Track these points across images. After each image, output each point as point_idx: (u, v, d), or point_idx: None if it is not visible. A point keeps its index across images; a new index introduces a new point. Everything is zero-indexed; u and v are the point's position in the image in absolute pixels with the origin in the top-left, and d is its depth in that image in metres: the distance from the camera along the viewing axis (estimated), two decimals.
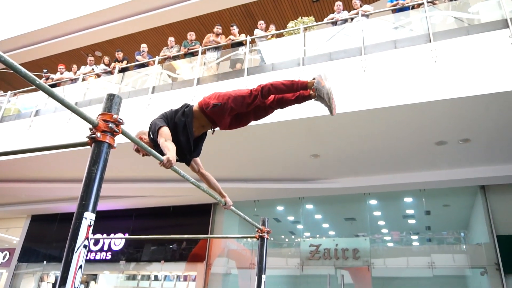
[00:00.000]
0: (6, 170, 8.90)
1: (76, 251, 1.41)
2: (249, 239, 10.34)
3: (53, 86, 9.24)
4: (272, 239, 10.20)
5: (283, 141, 6.93)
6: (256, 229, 3.24)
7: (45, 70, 9.55)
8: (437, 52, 5.70)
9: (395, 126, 6.22)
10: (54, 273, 11.77)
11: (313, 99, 2.68)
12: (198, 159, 2.86)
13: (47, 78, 9.40)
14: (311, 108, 6.03)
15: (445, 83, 5.46)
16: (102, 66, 8.93)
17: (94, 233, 10.50)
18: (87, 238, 1.46)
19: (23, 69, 1.40)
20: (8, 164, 8.49)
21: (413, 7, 6.68)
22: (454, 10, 6.47)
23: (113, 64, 8.61)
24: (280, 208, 10.26)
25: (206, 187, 2.77)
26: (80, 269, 1.40)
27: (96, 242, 10.75)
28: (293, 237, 10.21)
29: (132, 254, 10.62)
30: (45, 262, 11.27)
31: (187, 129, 2.53)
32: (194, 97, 6.85)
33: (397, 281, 8.80)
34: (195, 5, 9.68)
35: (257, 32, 7.45)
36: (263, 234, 3.19)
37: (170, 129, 2.44)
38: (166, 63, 8.13)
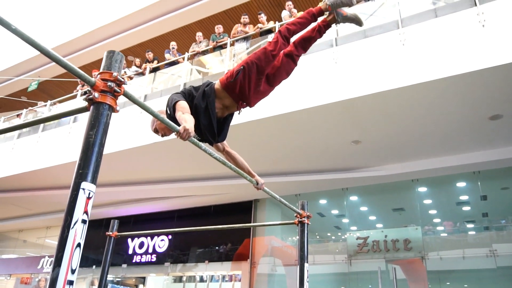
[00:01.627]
0: (51, 177, 9.12)
1: (73, 227, 1.19)
2: (293, 236, 10.08)
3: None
4: (317, 235, 9.82)
5: (320, 128, 6.58)
6: (295, 215, 2.95)
7: None
8: (484, 16, 5.16)
9: (442, 102, 5.70)
10: None
11: (335, 23, 2.47)
12: None
13: (83, 85, 9.57)
14: (348, 89, 5.67)
15: (494, 48, 4.91)
16: (133, 68, 8.96)
17: (138, 236, 10.61)
18: (86, 212, 1.23)
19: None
20: (53, 171, 8.70)
21: None
22: None
23: (144, 65, 8.60)
24: (323, 201, 9.86)
25: (233, 166, 2.50)
26: (78, 248, 1.18)
27: (141, 245, 10.83)
28: (339, 233, 9.78)
29: (177, 255, 10.60)
30: (94, 266, 11.50)
31: (210, 111, 2.27)
32: None
33: (456, 274, 8.16)
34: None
35: (285, 15, 7.14)
36: (303, 219, 2.90)
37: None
38: (196, 59, 8.00)
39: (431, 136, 6.67)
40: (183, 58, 7.93)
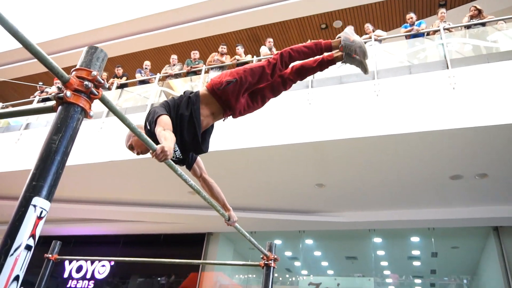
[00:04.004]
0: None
1: (12, 254, 0.92)
2: (242, 274, 9.67)
3: (46, 99, 8.85)
4: None
5: (287, 167, 6.46)
6: (262, 256, 2.72)
7: (41, 83, 9.19)
8: (455, 79, 5.37)
9: (407, 156, 5.79)
10: None
11: (340, 62, 2.32)
12: (201, 162, 2.39)
13: (42, 91, 9.03)
14: (320, 132, 5.63)
15: (463, 111, 5.09)
16: None
17: (77, 259, 9.79)
18: (33, 235, 0.97)
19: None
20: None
21: (428, 34, 6.42)
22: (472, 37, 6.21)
23: (111, 80, 8.26)
24: (277, 241, 9.61)
25: (207, 196, 2.27)
26: (15, 283, 0.91)
27: (79, 269, 10.01)
28: (287, 276, 9.52)
29: (115, 284, 9.87)
30: None
31: (194, 119, 2.08)
32: None
33: None
34: (199, 26, 9.48)
35: (263, 51, 7.15)
36: (270, 261, 2.67)
37: (172, 122, 1.98)
38: (166, 81, 7.78)
39: (392, 189, 6.72)
40: (154, 79, 7.68)
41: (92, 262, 9.94)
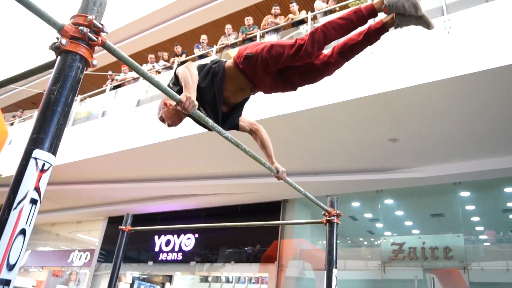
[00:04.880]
0: (80, 171, 9.12)
1: (16, 207, 0.88)
2: (323, 240, 9.60)
3: (118, 86, 9.33)
4: (348, 239, 9.31)
5: (355, 124, 6.14)
6: (323, 213, 2.57)
7: (110, 72, 9.71)
8: None
9: (495, 94, 5.13)
10: (130, 274, 11.96)
11: (393, 27, 1.86)
12: (245, 116, 2.24)
13: (112, 80, 9.54)
14: (387, 81, 5.21)
15: None
16: (161, 63, 8.82)
17: (165, 234, 10.47)
18: (37, 188, 0.93)
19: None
20: (82, 165, 8.67)
21: None
22: None
23: (172, 59, 8.43)
24: (356, 204, 9.34)
25: (247, 148, 2.10)
26: (21, 236, 0.88)
27: (167, 243, 10.69)
28: (372, 238, 9.23)
29: (203, 255, 10.37)
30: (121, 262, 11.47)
31: (216, 92, 1.88)
32: None
33: (498, 287, 7.47)
34: None
35: (318, 5, 6.73)
36: (332, 217, 2.52)
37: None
38: (224, 52, 7.74)
39: (478, 135, 6.07)
40: (212, 51, 7.68)
41: (179, 235, 10.53)
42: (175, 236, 10.61)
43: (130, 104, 8.52)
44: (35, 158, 0.94)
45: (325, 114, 5.89)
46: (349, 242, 9.27)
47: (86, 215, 12.79)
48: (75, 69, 1.07)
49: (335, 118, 6.00)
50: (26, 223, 0.90)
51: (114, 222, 12.42)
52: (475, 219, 8.18)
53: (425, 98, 5.28)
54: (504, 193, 7.81)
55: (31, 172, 0.93)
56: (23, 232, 0.89)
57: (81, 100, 9.80)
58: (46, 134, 0.97)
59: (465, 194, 7.89)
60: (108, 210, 11.81)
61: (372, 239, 9.22)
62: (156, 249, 10.84)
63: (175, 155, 7.72)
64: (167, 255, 10.60)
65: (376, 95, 5.26)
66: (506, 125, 5.72)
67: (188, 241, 10.39)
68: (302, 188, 2.45)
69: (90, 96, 9.89)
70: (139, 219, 12.17)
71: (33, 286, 13.80)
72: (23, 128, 11.81)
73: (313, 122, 6.16)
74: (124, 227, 3.39)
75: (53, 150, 0.98)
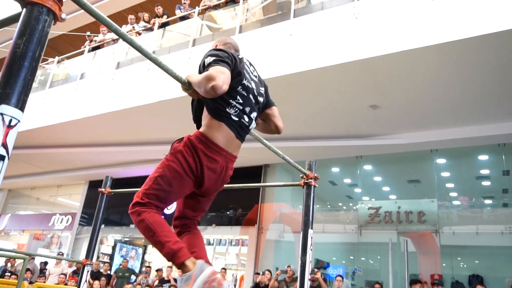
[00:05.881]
0: (59, 135, 8.97)
1: None
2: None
3: (97, 48, 9.05)
4: (328, 204, 9.55)
5: (336, 90, 6.15)
6: (301, 175, 2.62)
7: (88, 32, 9.39)
8: None
9: (469, 64, 5.19)
10: (112, 236, 12.08)
11: None
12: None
13: (91, 41, 9.24)
14: (369, 47, 5.20)
15: None
16: (142, 24, 8.55)
17: (128, 191, 10.54)
18: (4, 144, 0.91)
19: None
20: (60, 128, 8.52)
21: None
22: None
23: (152, 20, 8.18)
24: (335, 169, 9.53)
25: None
26: None
27: None
28: (350, 203, 9.48)
29: None
30: (103, 225, 11.54)
31: None
32: (237, 39, 6.24)
33: (468, 250, 7.86)
34: None
35: None
36: (310, 180, 2.57)
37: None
38: (207, 14, 7.54)
39: (455, 104, 6.18)
40: (193, 13, 7.47)
41: None
42: None
43: (110, 66, 8.31)
44: (2, 114, 0.92)
45: (306, 80, 5.87)
46: (328, 206, 9.52)
47: (66, 179, 12.70)
48: (42, 22, 1.03)
49: (317, 84, 5.99)
50: None
51: (94, 186, 12.39)
52: (450, 185, 8.47)
53: (407, 66, 5.30)
54: (478, 160, 8.06)
55: None
56: None
57: (59, 62, 9.50)
58: (12, 89, 0.95)
59: (441, 161, 8.12)
60: (89, 174, 11.73)
61: (350, 204, 9.48)
62: None
63: (156, 118, 7.65)
64: None
65: (359, 61, 5.25)
66: (482, 95, 5.83)
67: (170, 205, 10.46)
68: (282, 153, 2.47)
69: (68, 58, 9.60)
70: (120, 183, 12.20)
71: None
72: None
73: (293, 88, 6.14)
74: (103, 189, 3.38)
75: (21, 105, 0.96)
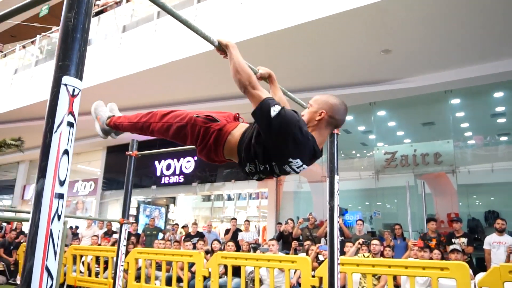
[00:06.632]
0: None
1: (56, 131, 0.96)
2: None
3: (100, 12, 8.93)
4: (342, 152, 9.66)
5: (347, 38, 6.07)
6: None
7: None
8: None
9: (483, 1, 5.04)
10: (135, 198, 12.52)
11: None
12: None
13: (93, 5, 9.10)
14: None
15: None
16: None
17: (165, 158, 10.71)
18: (71, 112, 1.00)
19: None
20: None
21: None
22: None
23: None
24: (349, 117, 9.53)
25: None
26: (66, 156, 0.97)
27: (168, 167, 11.03)
28: (365, 150, 9.56)
29: (204, 176, 10.76)
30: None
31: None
32: None
33: (484, 188, 7.97)
34: None
35: None
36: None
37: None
38: None
39: (468, 41, 6.06)
40: None
41: (178, 159, 10.84)
42: (175, 160, 10.92)
43: (116, 31, 8.23)
44: (65, 84, 1.00)
45: (315, 29, 5.80)
46: (343, 155, 9.63)
47: (85, 146, 12.97)
48: None
49: (326, 33, 5.91)
50: (67, 144, 0.98)
51: (113, 151, 12.67)
52: (465, 125, 8.45)
53: (418, 7, 5.18)
54: (493, 98, 7.99)
55: (64, 97, 0.99)
56: (66, 152, 0.98)
57: None
58: (71, 61, 1.02)
59: (455, 101, 8.07)
60: (106, 140, 11.91)
61: (365, 151, 9.57)
62: (158, 173, 11.22)
63: (168, 80, 7.67)
64: (169, 178, 11.01)
65: (369, 5, 5.15)
66: (495, 31, 5.70)
67: (188, 164, 10.72)
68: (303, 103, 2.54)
69: None
70: (138, 146, 12.38)
71: None
72: (6, 64, 11.47)
73: (302, 38, 6.07)
74: (131, 152, 3.52)
75: (79, 75, 1.04)
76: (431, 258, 4.67)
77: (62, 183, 0.96)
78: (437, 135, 8.36)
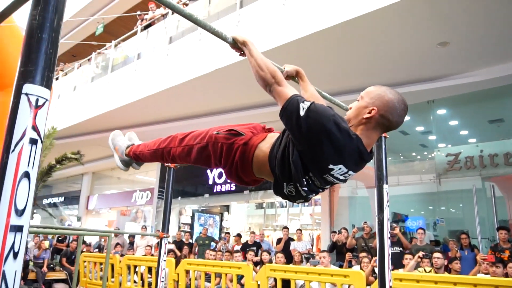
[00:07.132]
0: (126, 116, 9.35)
1: (14, 150, 0.80)
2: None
3: (148, 26, 9.15)
4: (400, 155, 9.07)
5: (399, 32, 5.63)
6: None
7: (138, 12, 9.51)
8: None
9: None
10: (190, 207, 12.66)
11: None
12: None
13: (142, 20, 9.35)
14: None
15: None
16: None
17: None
18: (34, 127, 0.83)
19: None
20: (127, 109, 8.86)
21: None
22: None
23: None
24: (405, 118, 8.91)
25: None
26: (26, 179, 0.80)
27: (220, 175, 11.03)
28: (425, 152, 8.90)
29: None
30: (179, 197, 12.10)
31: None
32: None
33: None
34: None
35: None
36: None
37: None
38: None
39: None
40: None
41: None
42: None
43: (163, 42, 8.37)
44: (27, 94, 0.84)
45: (364, 25, 5.43)
46: (401, 158, 9.04)
47: None
48: None
49: (376, 27, 5.53)
50: (28, 165, 0.82)
51: None
52: None
53: None
54: None
55: (25, 109, 0.83)
56: (27, 175, 0.81)
57: (116, 46, 9.78)
58: (35, 66, 0.86)
59: None
60: None
61: (425, 153, 8.92)
62: (211, 182, 11.25)
63: (213, 88, 7.63)
64: (221, 186, 10.99)
65: None
66: None
67: None
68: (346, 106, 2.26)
69: (123, 40, 9.83)
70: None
71: (105, 226, 15.13)
72: (66, 82, 12.14)
73: (351, 35, 5.72)
74: (169, 164, 3.42)
75: (46, 83, 0.87)
76: (505, 274, 4.11)
77: (20, 213, 0.79)
78: (507, 133, 7.56)
